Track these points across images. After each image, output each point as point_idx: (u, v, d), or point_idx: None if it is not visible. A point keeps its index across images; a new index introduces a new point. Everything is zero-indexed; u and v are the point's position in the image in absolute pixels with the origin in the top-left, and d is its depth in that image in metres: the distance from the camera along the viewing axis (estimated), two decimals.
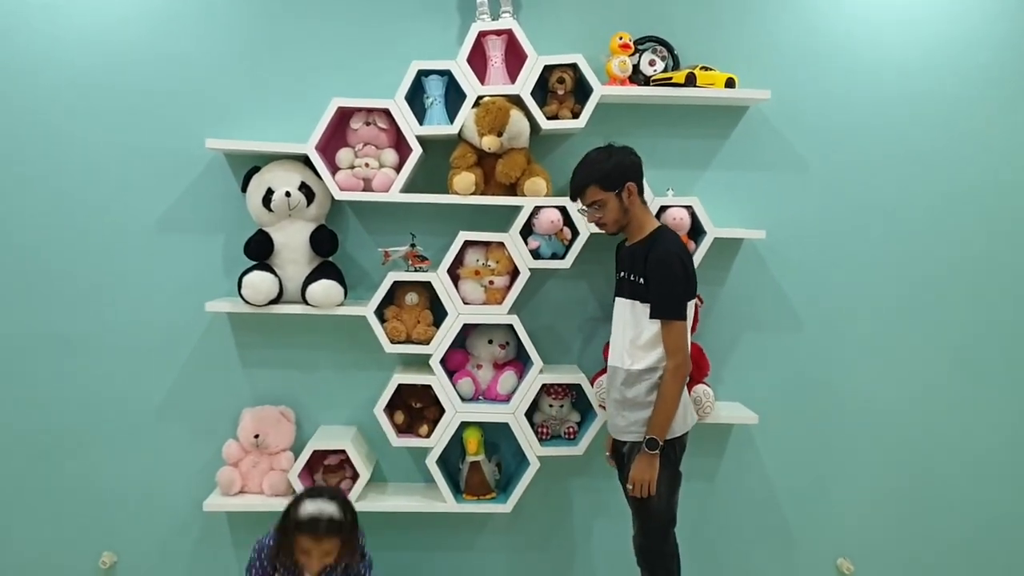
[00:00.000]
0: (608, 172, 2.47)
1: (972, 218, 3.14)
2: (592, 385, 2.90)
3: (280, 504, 2.50)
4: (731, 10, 3.02)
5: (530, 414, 2.96)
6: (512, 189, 2.87)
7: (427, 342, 2.85)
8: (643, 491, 2.45)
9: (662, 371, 2.45)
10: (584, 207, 2.57)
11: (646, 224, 2.54)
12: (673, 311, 2.42)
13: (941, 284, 3.16)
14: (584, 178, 2.50)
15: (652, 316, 2.43)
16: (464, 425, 2.92)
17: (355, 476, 2.88)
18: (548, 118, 2.81)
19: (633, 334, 2.49)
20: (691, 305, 2.50)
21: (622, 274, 2.57)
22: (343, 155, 2.84)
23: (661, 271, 2.41)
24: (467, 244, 2.85)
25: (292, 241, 2.84)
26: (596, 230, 2.81)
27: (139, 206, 2.96)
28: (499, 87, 2.81)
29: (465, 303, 2.86)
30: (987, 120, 3.11)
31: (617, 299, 2.60)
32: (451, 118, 2.82)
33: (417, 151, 2.78)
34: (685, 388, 2.54)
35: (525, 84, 2.78)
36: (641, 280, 2.45)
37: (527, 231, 2.87)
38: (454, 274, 2.87)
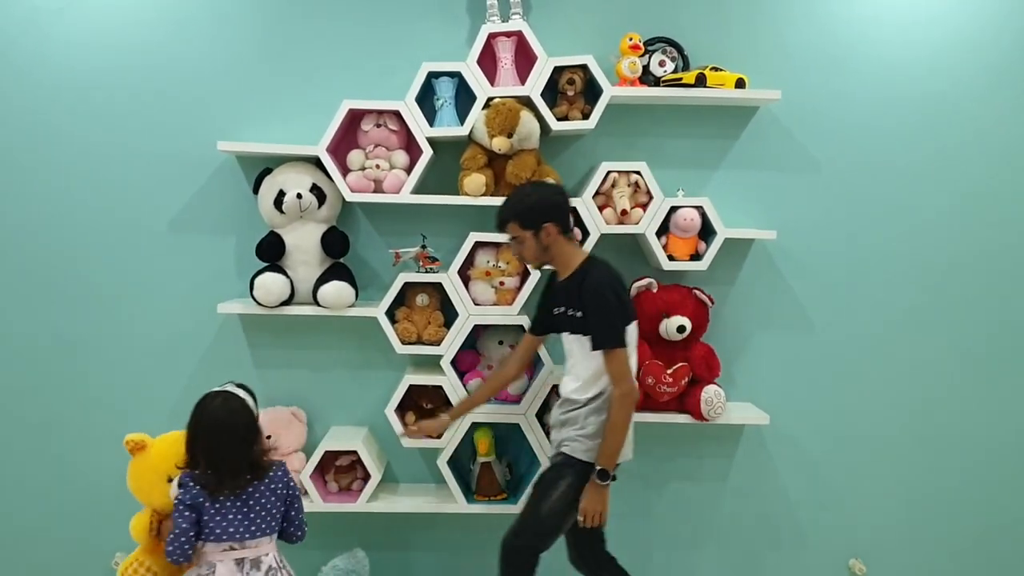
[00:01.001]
0: (526, 211, 2.46)
1: (983, 218, 3.12)
2: None
3: None
4: (741, 11, 3.02)
5: (541, 415, 2.95)
6: None
7: (438, 343, 2.85)
8: (594, 521, 2.42)
9: (606, 395, 2.44)
10: (507, 240, 2.56)
11: (573, 259, 2.51)
12: (613, 340, 2.40)
13: (952, 284, 3.14)
14: (505, 213, 2.50)
15: (594, 348, 2.41)
16: (475, 426, 2.93)
17: (366, 477, 2.89)
18: (558, 119, 2.82)
19: (583, 366, 2.48)
20: (631, 329, 2.47)
21: (559, 310, 2.53)
22: (354, 157, 2.85)
23: (595, 302, 2.40)
24: (477, 245, 2.85)
25: (303, 243, 2.85)
26: (607, 230, 2.83)
27: (151, 208, 2.98)
28: (509, 88, 2.82)
29: (476, 304, 2.86)
30: (998, 120, 3.09)
31: (563, 335, 2.56)
32: (461, 119, 2.83)
33: (427, 152, 2.79)
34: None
35: (535, 85, 2.79)
36: (579, 314, 2.44)
37: None
38: (464, 275, 2.88)
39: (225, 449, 2.15)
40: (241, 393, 2.27)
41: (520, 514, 2.55)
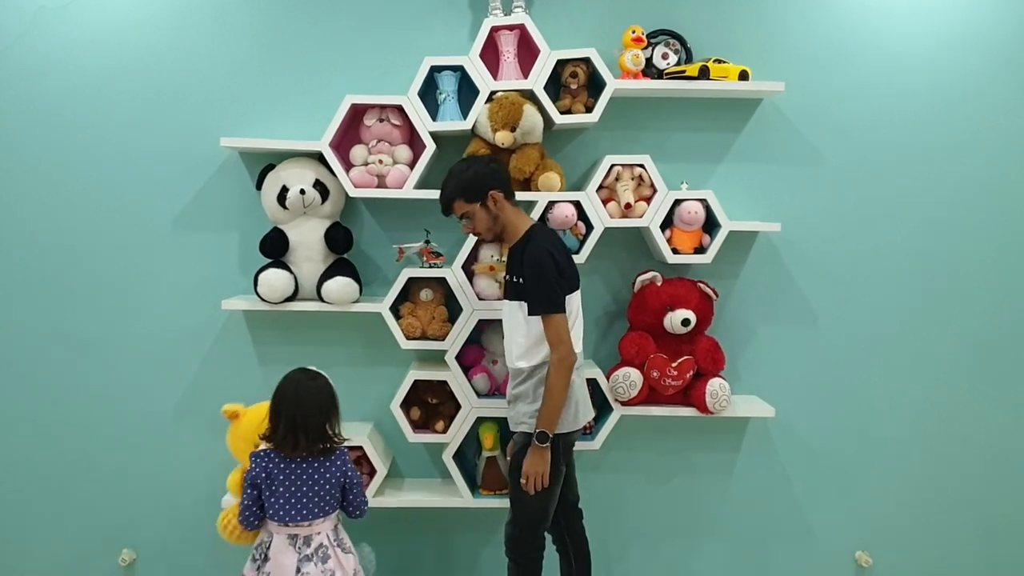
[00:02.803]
0: (468, 183, 2.47)
1: (988, 211, 3.11)
2: (608, 380, 2.90)
3: None
4: (744, 2, 3.01)
5: None
6: (526, 184, 2.86)
7: (442, 338, 2.86)
8: (536, 484, 2.43)
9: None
10: (458, 220, 2.57)
11: (520, 226, 2.53)
12: (549, 305, 2.41)
13: (956, 277, 3.13)
14: (448, 193, 2.51)
15: (530, 313, 2.43)
16: (480, 420, 2.93)
17: (372, 472, 2.89)
18: (561, 113, 2.81)
19: (524, 333, 2.49)
20: (573, 298, 2.50)
21: (507, 278, 2.58)
22: (357, 152, 2.84)
23: (533, 269, 2.42)
24: (481, 240, 2.85)
25: (307, 239, 2.85)
26: (611, 224, 2.82)
27: (155, 205, 2.98)
28: (512, 82, 2.81)
29: (480, 299, 2.86)
30: (1004, 112, 3.07)
31: (503, 302, 2.60)
32: (464, 114, 2.82)
33: (431, 147, 2.79)
34: (583, 384, 2.55)
35: (538, 79, 2.78)
36: (520, 280, 2.46)
37: None
38: (469, 270, 2.88)
39: (305, 409, 2.31)
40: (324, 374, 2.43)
41: (510, 504, 2.59)
